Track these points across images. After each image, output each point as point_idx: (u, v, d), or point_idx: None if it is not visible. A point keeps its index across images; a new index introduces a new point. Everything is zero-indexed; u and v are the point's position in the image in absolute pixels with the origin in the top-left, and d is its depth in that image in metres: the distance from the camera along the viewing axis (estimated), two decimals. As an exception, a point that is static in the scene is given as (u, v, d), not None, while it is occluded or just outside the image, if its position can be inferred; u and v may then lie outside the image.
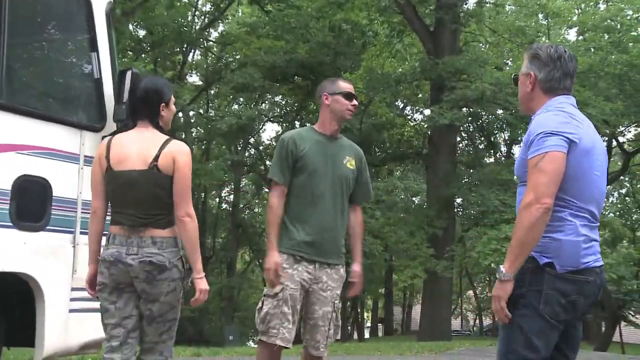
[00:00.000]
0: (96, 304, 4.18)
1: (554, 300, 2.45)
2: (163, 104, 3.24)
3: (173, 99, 3.34)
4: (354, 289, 3.94)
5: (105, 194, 3.24)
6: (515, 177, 2.78)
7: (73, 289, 4.01)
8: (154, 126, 3.22)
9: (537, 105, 2.71)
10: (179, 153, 3.14)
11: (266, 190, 39.19)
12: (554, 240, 2.46)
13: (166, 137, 3.23)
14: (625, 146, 28.56)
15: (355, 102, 3.87)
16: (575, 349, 2.67)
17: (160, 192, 3.11)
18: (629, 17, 24.95)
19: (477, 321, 50.13)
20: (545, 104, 2.67)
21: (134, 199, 3.10)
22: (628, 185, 36.93)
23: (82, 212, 4.07)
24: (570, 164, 2.46)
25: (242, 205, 37.92)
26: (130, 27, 23.34)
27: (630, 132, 29.75)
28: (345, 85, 3.89)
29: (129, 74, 4.13)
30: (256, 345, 4.13)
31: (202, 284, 3.16)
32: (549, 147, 2.44)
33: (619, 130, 26.50)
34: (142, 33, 25.91)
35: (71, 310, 3.99)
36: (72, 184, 4.04)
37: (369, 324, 43.71)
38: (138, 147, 3.15)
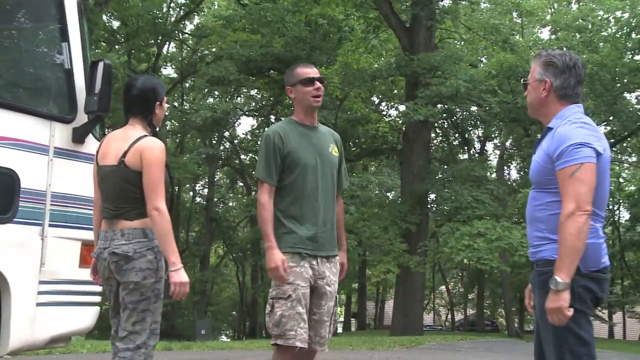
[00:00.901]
0: (65, 298, 4.14)
1: (586, 297, 2.62)
2: (157, 103, 3.40)
3: (165, 98, 3.49)
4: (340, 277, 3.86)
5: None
6: (532, 180, 2.86)
7: (41, 282, 3.95)
8: (147, 123, 3.37)
9: (549, 111, 2.80)
10: (147, 149, 3.22)
11: (241, 184, 39.08)
12: None
13: (143, 133, 3.30)
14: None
15: (317, 84, 3.63)
16: None
17: (127, 187, 3.22)
18: (599, 18, 25.32)
19: (449, 316, 50.58)
20: (561, 113, 2.76)
21: (107, 193, 3.29)
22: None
23: (51, 205, 4.02)
24: (597, 173, 2.60)
25: (216, 199, 37.76)
26: (104, 17, 23.04)
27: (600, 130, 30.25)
28: (302, 71, 3.67)
29: (100, 65, 4.08)
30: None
31: (175, 276, 3.13)
32: (583, 159, 2.56)
33: (589, 128, 26.90)
34: (116, 24, 25.64)
35: (39, 304, 3.93)
36: (41, 175, 3.98)
37: (342, 319, 43.87)
38: (117, 143, 3.29)
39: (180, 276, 3.13)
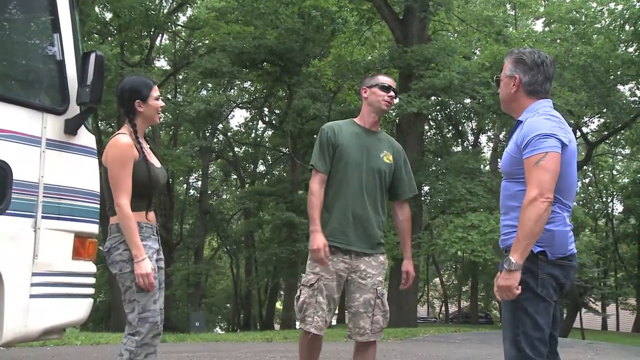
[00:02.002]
0: (58, 290, 4.12)
1: (548, 284, 2.75)
2: (138, 101, 3.48)
3: (155, 94, 3.54)
4: (404, 284, 4.00)
5: None
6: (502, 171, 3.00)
7: (34, 274, 3.94)
8: (129, 120, 3.50)
9: (519, 106, 2.94)
10: (109, 147, 3.41)
11: (234, 176, 39.07)
12: (546, 231, 2.70)
13: (117, 133, 3.46)
14: (589, 137, 29.11)
15: (392, 93, 3.96)
16: (558, 327, 2.95)
17: (107, 184, 3.44)
18: (593, 10, 25.36)
19: (443, 308, 50.77)
20: (530, 107, 2.90)
21: (104, 190, 3.51)
22: (591, 175, 37.67)
23: (43, 196, 4.00)
24: (562, 164, 2.72)
25: (210, 192, 37.72)
26: (97, 9, 22.94)
27: (593, 122, 30.35)
28: (383, 79, 4.00)
29: (93, 56, 4.05)
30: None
31: (137, 268, 3.29)
32: (548, 148, 2.68)
33: (582, 120, 27.00)
34: (108, 16, 25.49)
35: (32, 296, 3.92)
36: (33, 167, 3.96)
37: (336, 311, 44.09)
38: None
39: (141, 267, 3.29)
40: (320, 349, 3.99)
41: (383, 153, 3.93)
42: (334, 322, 37.29)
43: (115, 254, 3.37)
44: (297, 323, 3.93)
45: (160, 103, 3.61)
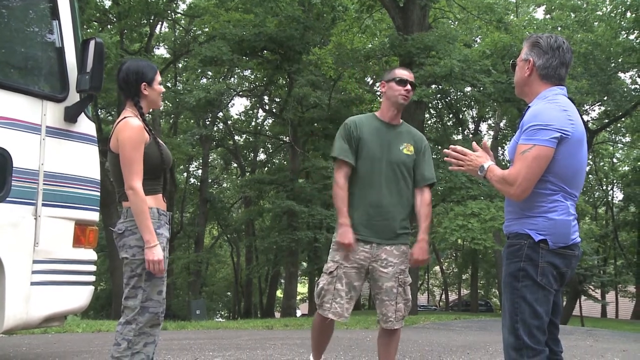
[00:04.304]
0: (59, 277, 4.14)
1: (549, 272, 2.74)
2: (144, 84, 3.44)
3: (158, 79, 3.51)
4: (411, 260, 4.01)
5: None
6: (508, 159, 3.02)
7: (35, 262, 3.95)
8: (134, 104, 3.44)
9: (531, 90, 2.92)
10: (119, 130, 3.32)
11: (235, 165, 39.05)
12: (548, 219, 2.74)
13: (124, 116, 3.37)
14: (590, 124, 29.05)
15: (408, 87, 4.03)
16: (559, 314, 2.95)
17: (118, 169, 3.34)
18: (595, -3, 25.23)
19: (443, 296, 50.91)
20: (542, 93, 2.87)
21: (112, 178, 3.44)
22: (591, 163, 37.63)
23: (44, 184, 4.00)
24: (563, 154, 2.72)
25: (210, 180, 37.71)
26: (96, -3, 22.80)
27: (594, 110, 30.29)
28: (399, 72, 4.09)
29: (92, 43, 4.04)
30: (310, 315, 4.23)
31: (149, 254, 3.24)
32: (537, 141, 2.69)
33: (583, 108, 26.94)
34: (108, 3, 25.34)
35: (33, 283, 3.94)
36: (34, 154, 3.96)
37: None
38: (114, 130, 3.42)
39: (153, 254, 3.23)
40: (332, 334, 4.20)
41: (403, 145, 4.02)
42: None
43: (131, 237, 3.29)
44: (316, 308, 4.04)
45: (162, 88, 3.61)
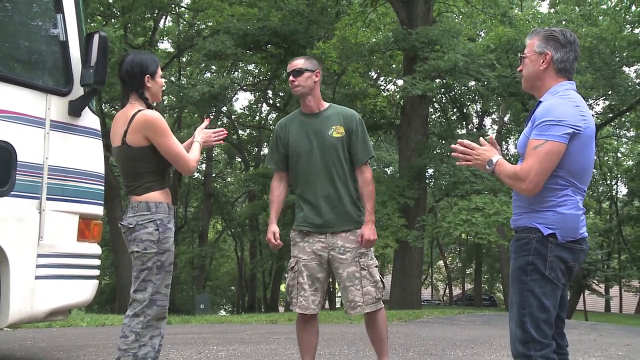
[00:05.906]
0: (63, 271, 4.14)
1: (557, 266, 2.76)
2: (148, 76, 3.45)
3: (160, 72, 3.53)
4: (361, 241, 3.96)
5: None
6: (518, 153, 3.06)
7: (39, 256, 3.96)
8: (138, 96, 3.44)
9: (543, 85, 2.89)
10: (145, 127, 3.31)
11: (239, 159, 39.07)
12: (557, 213, 2.75)
13: (137, 109, 3.36)
14: (594, 119, 28.93)
15: (291, 77, 3.98)
16: (565, 308, 2.96)
17: (133, 164, 3.37)
18: (599, -10, 25.10)
19: (447, 291, 50.91)
20: (553, 88, 2.85)
21: (121, 172, 3.48)
22: (595, 157, 37.48)
23: (48, 178, 4.00)
24: (574, 150, 2.72)
25: (214, 175, 37.74)
26: (100, -9, 22.78)
27: (599, 104, 30.17)
28: (289, 65, 4.06)
29: (96, 37, 4.04)
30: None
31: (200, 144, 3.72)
32: (550, 136, 2.68)
33: (588, 103, 26.83)
34: (111, -2, 25.32)
35: (37, 277, 3.94)
36: (38, 148, 3.97)
37: (339, 293, 44.25)
38: (120, 124, 3.40)
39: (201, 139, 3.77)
40: (317, 332, 4.10)
41: (331, 129, 3.97)
42: (337, 306, 37.44)
43: (143, 232, 3.32)
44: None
45: (164, 81, 3.64)
